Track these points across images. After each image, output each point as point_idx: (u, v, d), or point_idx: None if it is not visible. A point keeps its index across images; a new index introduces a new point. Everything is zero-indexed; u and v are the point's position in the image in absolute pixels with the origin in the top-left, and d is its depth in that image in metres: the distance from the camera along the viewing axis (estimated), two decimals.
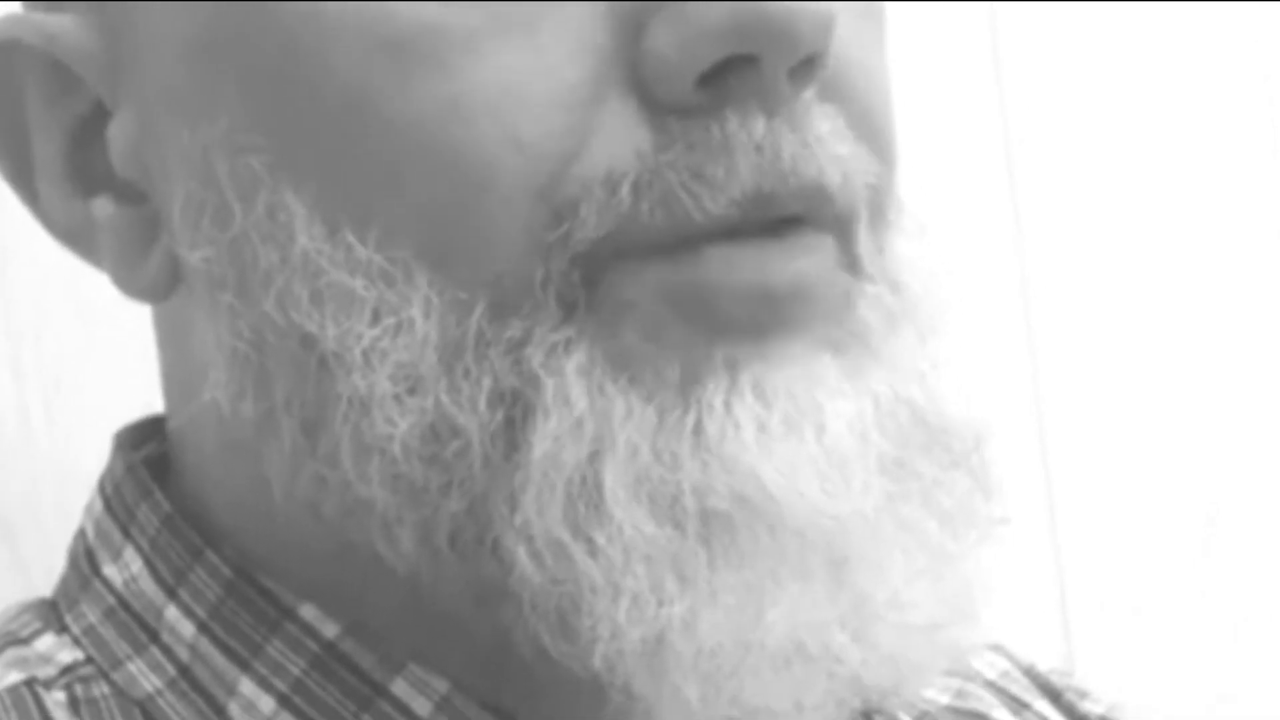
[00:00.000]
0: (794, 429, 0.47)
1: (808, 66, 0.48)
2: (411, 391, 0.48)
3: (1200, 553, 1.06)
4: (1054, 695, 0.67)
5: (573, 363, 0.47)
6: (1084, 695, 0.68)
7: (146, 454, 0.56)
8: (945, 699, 0.63)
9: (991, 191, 1.02)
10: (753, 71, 0.47)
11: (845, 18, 0.49)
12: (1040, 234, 1.03)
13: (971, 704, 0.63)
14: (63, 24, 0.53)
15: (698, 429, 0.47)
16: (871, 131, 0.51)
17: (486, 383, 0.47)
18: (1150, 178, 1.06)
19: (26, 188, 0.55)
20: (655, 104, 0.48)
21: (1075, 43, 1.04)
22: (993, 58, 1.02)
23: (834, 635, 0.48)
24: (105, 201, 0.53)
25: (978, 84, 1.01)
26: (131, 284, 0.53)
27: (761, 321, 0.48)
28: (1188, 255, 1.07)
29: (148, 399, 0.60)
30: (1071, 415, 1.03)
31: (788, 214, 0.48)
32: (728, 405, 0.47)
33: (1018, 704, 0.65)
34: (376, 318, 0.48)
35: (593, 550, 0.47)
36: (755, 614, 0.47)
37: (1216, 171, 1.08)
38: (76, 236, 0.54)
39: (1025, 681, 0.66)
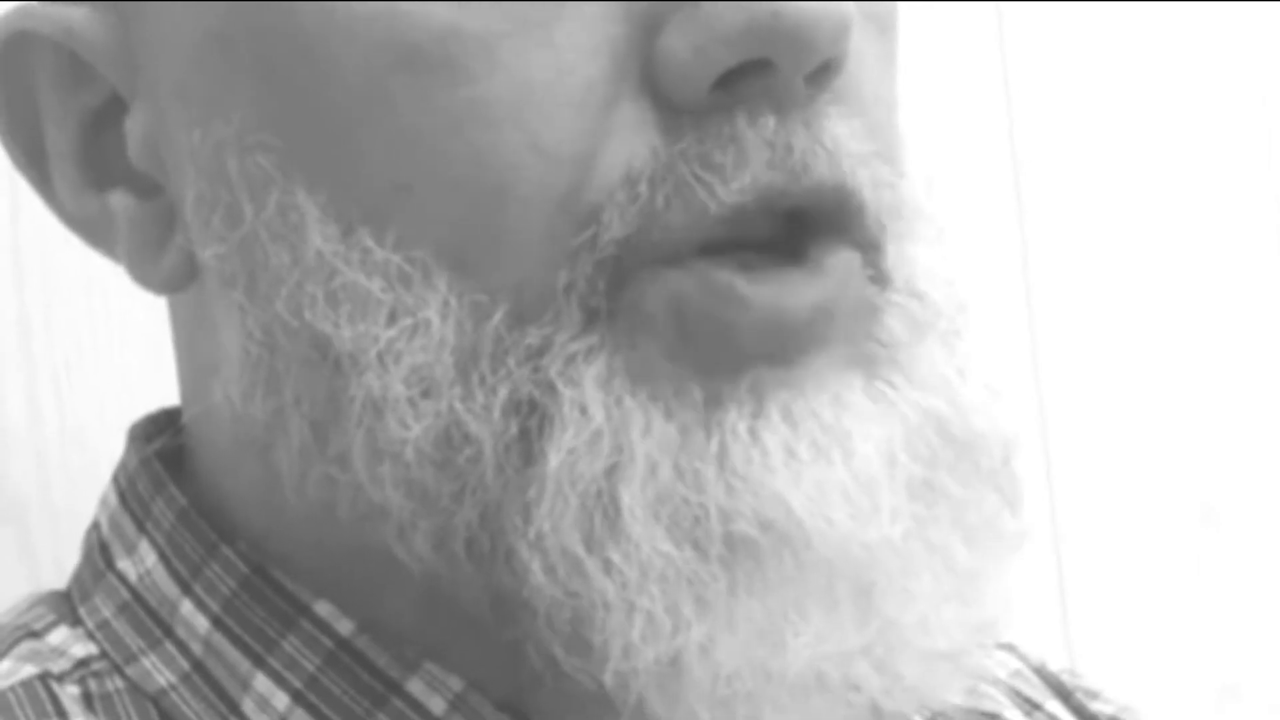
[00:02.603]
0: (822, 454, 0.46)
1: (823, 72, 0.47)
2: (425, 395, 0.47)
3: (1197, 549, 1.06)
4: (1065, 695, 0.66)
5: (591, 373, 0.47)
6: (1095, 696, 0.67)
7: (161, 447, 0.56)
8: (956, 697, 0.62)
9: (996, 190, 1.02)
10: (768, 76, 0.47)
11: (860, 35, 0.48)
12: (1043, 232, 1.03)
13: (983, 703, 0.63)
14: (76, 16, 0.53)
15: (721, 452, 0.46)
16: (879, 146, 0.50)
17: (502, 391, 0.47)
18: (1151, 178, 1.06)
19: (40, 178, 0.54)
20: (668, 104, 0.47)
21: (1081, 44, 1.04)
22: (1000, 58, 1.01)
23: (856, 665, 0.47)
24: (122, 195, 0.53)
25: (984, 84, 1.01)
26: (147, 277, 0.53)
27: (783, 348, 0.47)
28: (1188, 254, 1.07)
29: (157, 385, 0.60)
30: (1072, 413, 1.03)
31: (802, 205, 0.48)
32: (753, 431, 0.46)
33: (1029, 704, 0.65)
34: (393, 319, 0.48)
35: (607, 567, 0.46)
36: (777, 643, 0.46)
37: (1215, 174, 1.08)
38: (91, 228, 0.54)
39: (1036, 681, 0.66)
